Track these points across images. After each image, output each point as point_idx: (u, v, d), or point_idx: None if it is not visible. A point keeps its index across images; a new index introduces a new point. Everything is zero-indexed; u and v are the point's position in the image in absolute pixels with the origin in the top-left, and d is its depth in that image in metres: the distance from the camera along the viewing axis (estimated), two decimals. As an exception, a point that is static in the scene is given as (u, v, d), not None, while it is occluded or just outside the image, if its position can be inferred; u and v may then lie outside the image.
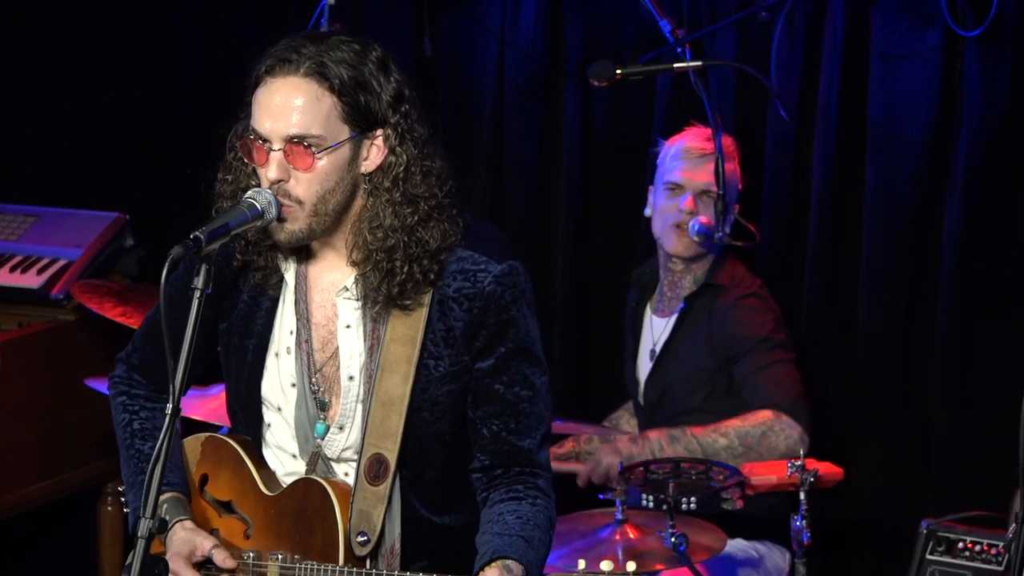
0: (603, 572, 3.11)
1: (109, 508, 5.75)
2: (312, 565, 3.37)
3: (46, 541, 6.15)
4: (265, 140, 3.29)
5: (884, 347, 5.28)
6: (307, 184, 3.28)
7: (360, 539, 3.38)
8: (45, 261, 5.73)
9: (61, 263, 5.71)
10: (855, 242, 5.28)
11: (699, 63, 5.01)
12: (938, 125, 5.15)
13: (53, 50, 6.36)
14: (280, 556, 3.41)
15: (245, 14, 6.13)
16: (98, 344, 5.52)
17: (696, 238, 5.00)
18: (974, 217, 5.10)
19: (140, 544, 3.08)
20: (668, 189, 5.07)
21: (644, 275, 5.30)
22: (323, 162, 3.28)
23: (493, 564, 3.27)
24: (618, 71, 4.98)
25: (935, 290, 5.19)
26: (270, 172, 3.29)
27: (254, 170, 3.36)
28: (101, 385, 4.89)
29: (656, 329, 5.19)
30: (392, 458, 3.37)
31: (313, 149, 3.27)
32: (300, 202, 3.30)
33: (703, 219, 4.99)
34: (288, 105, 3.26)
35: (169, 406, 3.09)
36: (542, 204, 5.80)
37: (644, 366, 5.21)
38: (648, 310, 5.24)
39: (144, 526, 3.08)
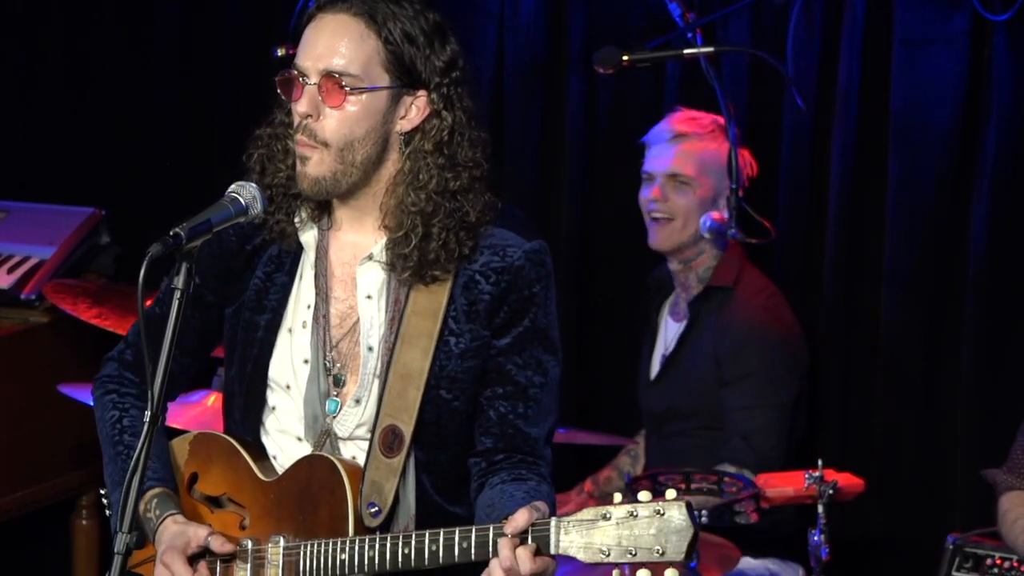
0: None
1: (84, 522, 5.74)
2: (318, 541, 3.36)
3: (17, 557, 6.13)
4: (303, 74, 3.39)
5: (907, 351, 5.27)
6: (336, 125, 3.37)
7: (371, 510, 3.39)
8: (15, 259, 5.72)
9: (33, 262, 5.70)
10: (877, 239, 5.28)
11: (711, 49, 5.00)
12: (965, 115, 5.14)
13: (23, 34, 6.34)
14: (282, 538, 3.41)
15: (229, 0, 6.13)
16: (72, 348, 5.51)
17: (707, 235, 5.00)
18: (1003, 212, 5.10)
19: (117, 561, 3.08)
20: (643, 180, 5.09)
21: (663, 273, 5.29)
22: (354, 104, 3.36)
23: (522, 508, 3.22)
24: (624, 58, 4.98)
25: (961, 290, 5.18)
26: (300, 106, 3.38)
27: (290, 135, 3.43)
28: (75, 391, 4.89)
29: (670, 333, 5.19)
30: (408, 431, 3.40)
31: (347, 88, 3.35)
32: (326, 144, 3.37)
33: (715, 215, 4.99)
34: (331, 40, 3.37)
35: (148, 413, 3.10)
36: (543, 198, 5.80)
37: (655, 372, 5.21)
38: (665, 311, 5.24)
39: (121, 541, 3.08)
